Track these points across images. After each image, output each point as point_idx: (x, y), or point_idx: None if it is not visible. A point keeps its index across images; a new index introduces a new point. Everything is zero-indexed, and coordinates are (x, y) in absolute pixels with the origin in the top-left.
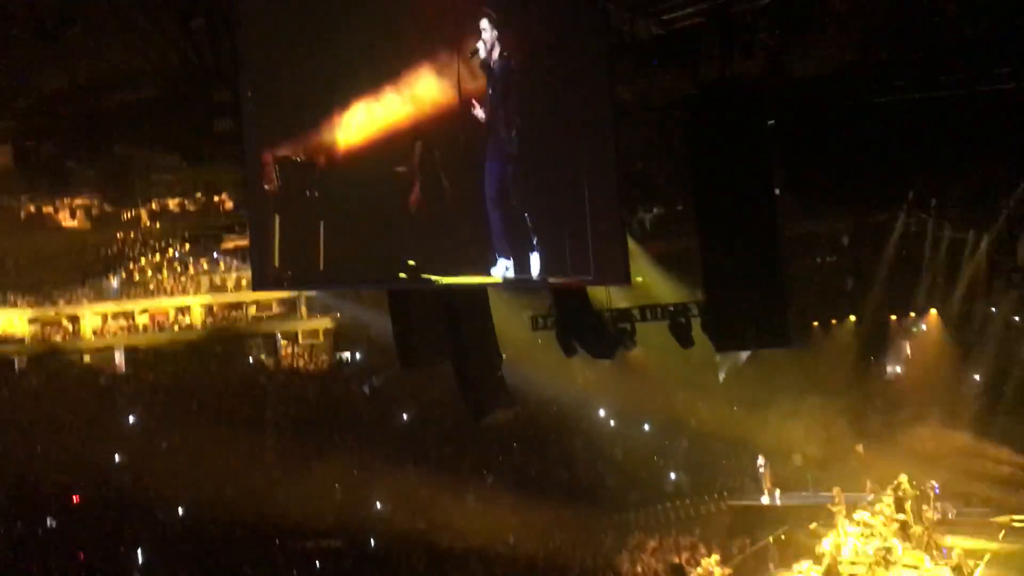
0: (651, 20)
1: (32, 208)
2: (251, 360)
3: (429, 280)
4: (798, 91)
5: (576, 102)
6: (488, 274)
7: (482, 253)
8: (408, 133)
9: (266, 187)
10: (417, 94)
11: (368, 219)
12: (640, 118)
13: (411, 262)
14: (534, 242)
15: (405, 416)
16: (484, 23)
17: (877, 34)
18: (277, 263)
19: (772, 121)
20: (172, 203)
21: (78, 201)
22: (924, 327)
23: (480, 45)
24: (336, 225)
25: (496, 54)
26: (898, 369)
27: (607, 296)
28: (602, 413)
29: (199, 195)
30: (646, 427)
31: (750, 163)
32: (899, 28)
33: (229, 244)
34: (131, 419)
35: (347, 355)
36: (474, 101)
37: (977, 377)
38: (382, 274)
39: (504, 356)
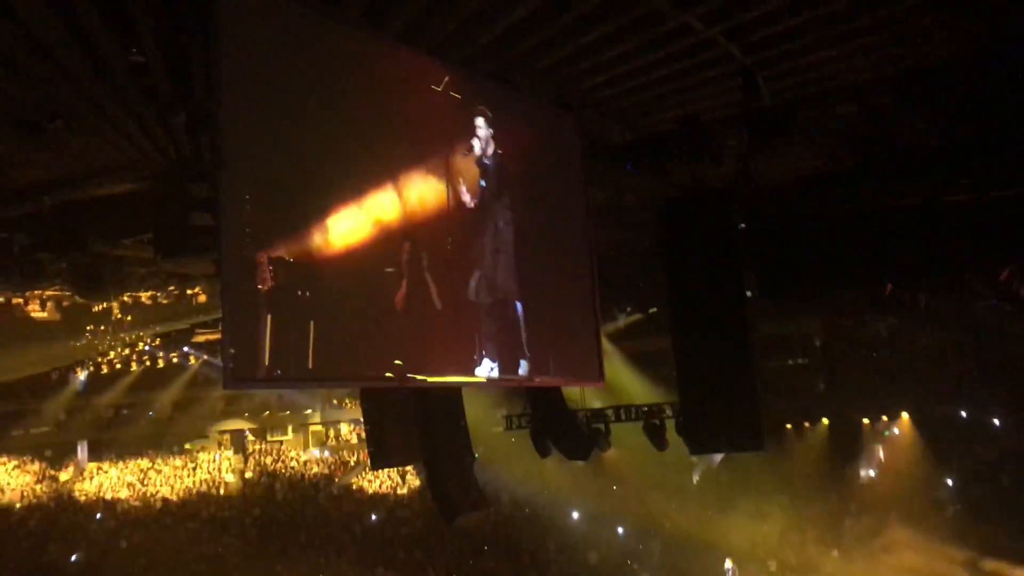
0: (624, 125)
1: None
2: (217, 457)
3: (415, 380)
4: (768, 196)
5: (556, 202)
6: (473, 374)
7: (468, 353)
8: (397, 233)
9: (260, 287)
10: (408, 194)
11: (357, 318)
12: (614, 220)
13: (398, 361)
14: (521, 342)
15: (374, 517)
16: (480, 120)
17: (843, 144)
18: (268, 362)
19: (743, 225)
20: (144, 296)
21: (48, 292)
22: (896, 431)
23: (475, 142)
24: (325, 324)
25: (491, 150)
26: (872, 473)
27: (581, 396)
28: (576, 515)
29: (172, 288)
30: (620, 530)
31: (722, 266)
32: (865, 139)
33: (200, 338)
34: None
35: (316, 453)
36: (466, 199)
37: (950, 482)
38: (369, 373)
39: (477, 456)
